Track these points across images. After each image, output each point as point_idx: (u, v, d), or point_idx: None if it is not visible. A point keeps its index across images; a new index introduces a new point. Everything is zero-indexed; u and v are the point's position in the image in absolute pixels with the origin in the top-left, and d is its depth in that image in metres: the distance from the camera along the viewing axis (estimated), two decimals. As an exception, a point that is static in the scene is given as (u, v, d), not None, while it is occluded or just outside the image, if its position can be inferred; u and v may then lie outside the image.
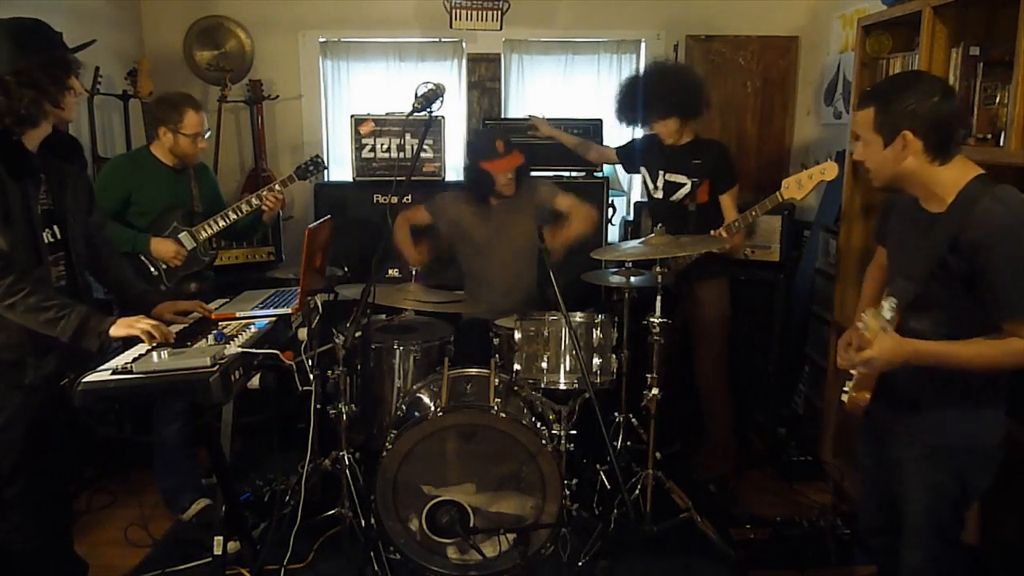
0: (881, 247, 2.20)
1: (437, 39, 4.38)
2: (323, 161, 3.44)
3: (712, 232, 3.05)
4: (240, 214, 3.19)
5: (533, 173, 3.90)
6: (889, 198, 2.10)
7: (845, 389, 2.03)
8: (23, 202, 2.07)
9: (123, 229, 3.00)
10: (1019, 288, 1.72)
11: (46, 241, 2.16)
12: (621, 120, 3.43)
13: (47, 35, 2.08)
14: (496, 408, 2.61)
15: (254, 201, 3.19)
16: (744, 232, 3.23)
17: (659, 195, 3.37)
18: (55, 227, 2.20)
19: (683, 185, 3.26)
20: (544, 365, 2.94)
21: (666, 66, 3.48)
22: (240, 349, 2.19)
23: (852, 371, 2.01)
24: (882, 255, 2.20)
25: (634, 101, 3.33)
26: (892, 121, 1.81)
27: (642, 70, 3.61)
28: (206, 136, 3.13)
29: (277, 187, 3.22)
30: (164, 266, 3.08)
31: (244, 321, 2.51)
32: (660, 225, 3.01)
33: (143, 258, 3.05)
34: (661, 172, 3.33)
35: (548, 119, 4.01)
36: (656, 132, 3.30)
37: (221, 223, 3.17)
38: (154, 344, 2.17)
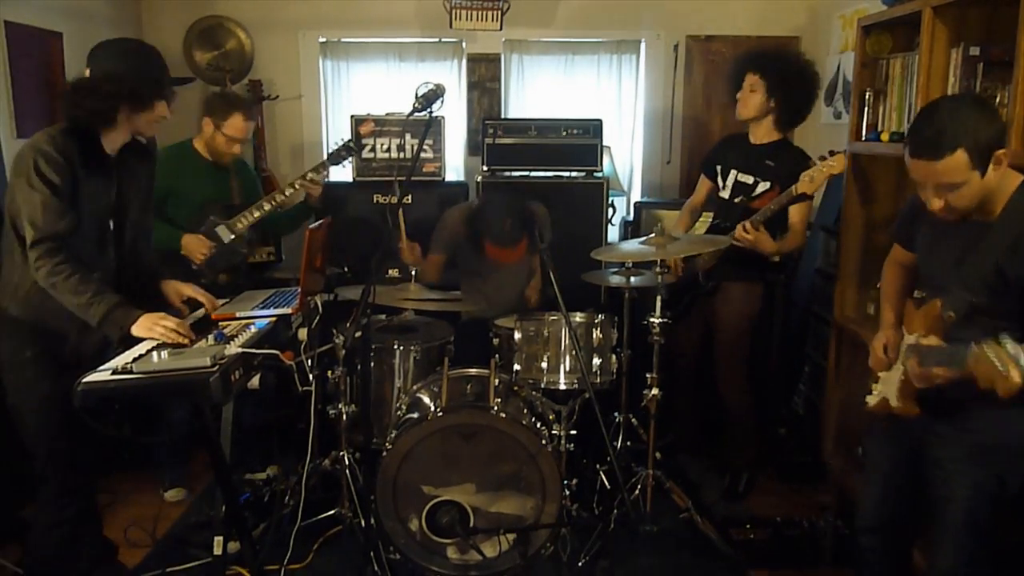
0: (900, 246, 2.20)
1: (437, 39, 4.38)
2: (355, 144, 3.39)
3: (739, 226, 3.02)
4: (274, 203, 3.20)
5: (535, 173, 3.93)
6: (914, 202, 2.04)
7: (875, 391, 2.04)
8: (94, 194, 2.28)
9: (161, 226, 2.98)
10: None
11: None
12: (728, 81, 3.32)
13: (151, 58, 2.37)
14: (496, 408, 2.61)
15: (288, 191, 3.22)
16: (792, 234, 3.17)
17: (725, 194, 3.29)
18: (111, 221, 2.40)
19: (748, 186, 3.21)
20: (544, 365, 2.94)
21: (791, 51, 3.36)
22: (240, 349, 2.19)
23: (881, 374, 2.02)
24: (901, 253, 2.21)
25: (741, 56, 3.26)
26: (985, 150, 1.74)
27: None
28: (245, 144, 3.22)
29: (310, 175, 3.26)
30: (204, 260, 3.13)
31: (244, 321, 2.51)
32: (659, 224, 3.01)
33: (183, 254, 3.09)
34: (733, 171, 3.26)
35: (548, 119, 4.02)
36: (738, 104, 3.20)
37: (256, 214, 3.18)
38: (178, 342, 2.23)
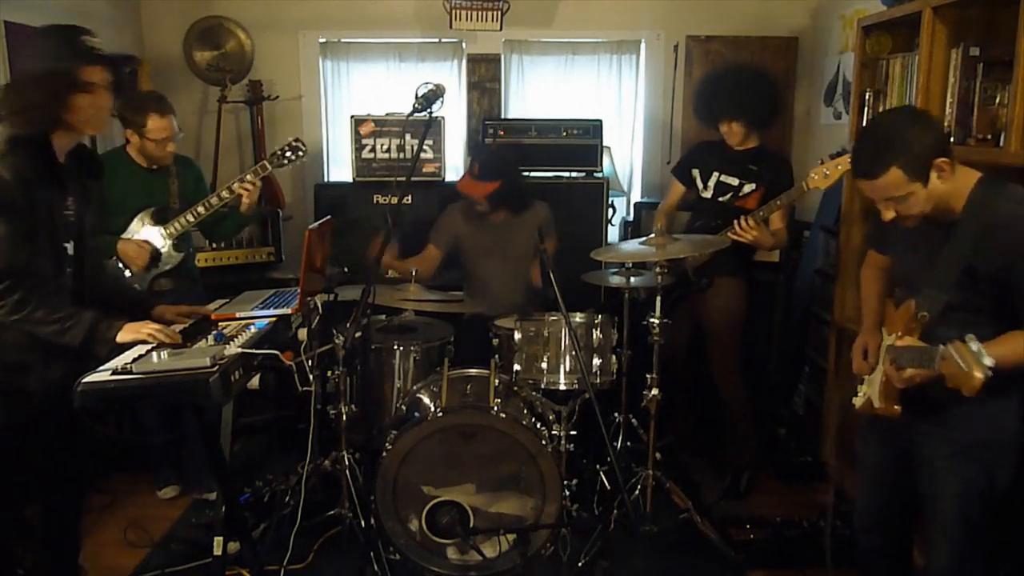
0: (874, 252, 2.24)
1: (437, 39, 4.38)
2: (300, 144, 3.18)
3: (736, 222, 3.05)
4: (209, 208, 3.06)
5: (535, 173, 3.93)
6: None
7: (860, 392, 2.06)
8: (48, 213, 2.09)
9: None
10: None
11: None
12: (697, 116, 3.43)
13: (68, 44, 2.07)
14: (496, 409, 2.61)
15: (224, 194, 3.06)
16: (780, 234, 3.21)
17: (707, 194, 3.33)
18: (71, 241, 2.22)
19: (734, 187, 3.26)
20: (544, 365, 2.94)
21: (744, 68, 3.40)
22: (240, 349, 2.19)
23: (866, 376, 2.05)
24: (876, 258, 2.24)
25: (708, 98, 3.30)
26: (920, 162, 1.80)
27: (721, 67, 3.57)
28: (178, 138, 3.07)
29: (249, 177, 3.09)
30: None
31: (244, 321, 2.51)
32: (659, 226, 3.02)
33: (117, 260, 3.00)
34: (715, 173, 3.30)
35: (548, 120, 4.02)
36: (722, 133, 3.27)
37: (191, 219, 3.06)
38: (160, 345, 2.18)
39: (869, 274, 2.28)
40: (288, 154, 3.16)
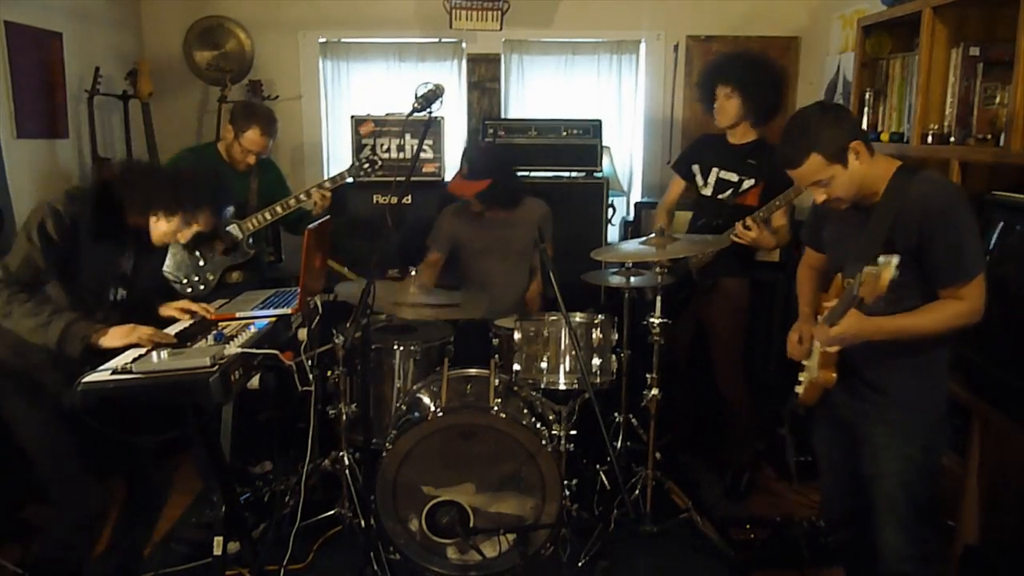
0: (811, 249, 2.37)
1: (437, 39, 4.38)
2: (377, 157, 3.57)
3: (737, 225, 3.04)
4: (287, 209, 3.32)
5: (535, 173, 3.93)
6: (816, 208, 2.18)
7: (800, 379, 2.17)
8: (98, 261, 2.27)
9: None
10: (954, 258, 1.91)
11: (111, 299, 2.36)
12: (698, 92, 3.42)
13: (206, 186, 2.35)
14: (496, 408, 2.61)
15: (302, 197, 3.33)
16: (781, 232, 3.20)
17: (707, 192, 3.31)
18: (122, 290, 2.40)
19: (733, 183, 3.25)
20: (544, 365, 2.94)
21: (753, 51, 3.44)
22: (240, 349, 2.19)
23: (805, 362, 2.19)
24: (812, 257, 2.38)
25: (710, 68, 3.30)
26: (836, 147, 1.95)
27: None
28: (262, 155, 3.33)
29: (327, 184, 3.35)
30: (211, 255, 3.23)
31: (244, 321, 2.51)
32: (660, 224, 3.02)
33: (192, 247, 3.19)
34: (715, 169, 3.28)
35: (548, 119, 4.02)
36: (716, 112, 3.22)
37: (268, 216, 3.31)
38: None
39: (805, 273, 2.42)
40: (366, 167, 3.54)
